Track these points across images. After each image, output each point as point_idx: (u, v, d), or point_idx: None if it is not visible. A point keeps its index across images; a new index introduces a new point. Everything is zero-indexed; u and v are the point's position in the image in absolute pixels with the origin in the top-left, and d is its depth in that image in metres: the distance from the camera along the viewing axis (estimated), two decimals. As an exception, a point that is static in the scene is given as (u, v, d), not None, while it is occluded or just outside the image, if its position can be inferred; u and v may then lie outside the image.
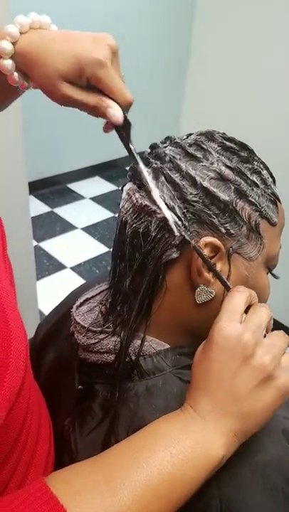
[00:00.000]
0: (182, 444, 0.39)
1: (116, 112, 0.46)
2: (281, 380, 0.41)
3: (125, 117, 0.47)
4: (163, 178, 0.48)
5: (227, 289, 0.46)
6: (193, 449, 0.38)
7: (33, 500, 0.34)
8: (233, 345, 0.41)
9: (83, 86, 0.46)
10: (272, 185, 0.51)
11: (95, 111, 0.47)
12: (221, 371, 0.41)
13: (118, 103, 0.46)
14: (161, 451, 0.38)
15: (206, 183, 0.47)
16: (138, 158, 0.48)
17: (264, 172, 0.50)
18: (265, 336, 0.42)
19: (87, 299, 0.59)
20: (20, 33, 0.46)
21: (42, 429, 0.52)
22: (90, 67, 0.44)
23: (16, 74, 0.47)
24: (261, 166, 0.51)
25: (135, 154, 0.48)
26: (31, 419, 0.48)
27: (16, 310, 0.43)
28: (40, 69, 0.46)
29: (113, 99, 0.46)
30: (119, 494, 0.35)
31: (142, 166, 0.47)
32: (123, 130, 0.48)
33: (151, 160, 0.50)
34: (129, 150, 0.48)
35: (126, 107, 0.47)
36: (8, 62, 0.46)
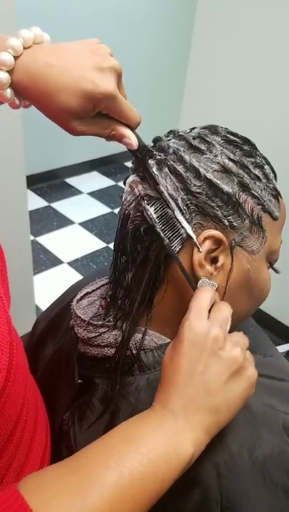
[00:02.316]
0: (152, 444, 0.39)
1: (132, 141, 0.47)
2: (250, 370, 0.43)
3: (140, 141, 0.48)
4: (167, 169, 0.48)
5: (192, 287, 0.47)
6: (164, 448, 0.39)
7: (3, 509, 0.34)
8: (203, 340, 0.41)
9: (93, 114, 0.45)
10: (274, 180, 0.52)
11: (109, 139, 0.48)
12: (193, 366, 0.41)
13: (129, 125, 0.47)
14: (132, 452, 0.38)
15: (209, 175, 0.47)
16: (157, 177, 0.48)
17: (266, 167, 0.51)
18: None
19: (87, 293, 0.59)
20: (24, 48, 0.42)
21: (38, 425, 0.52)
22: (101, 102, 0.43)
23: (8, 91, 0.42)
24: (263, 161, 0.51)
25: (154, 174, 0.48)
26: (27, 416, 0.48)
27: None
28: (45, 105, 0.43)
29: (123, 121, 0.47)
30: (90, 498, 0.36)
31: (161, 188, 0.48)
32: (138, 152, 0.49)
33: (154, 152, 0.50)
34: (147, 171, 0.48)
35: (136, 127, 0.48)
36: (4, 76, 0.41)
